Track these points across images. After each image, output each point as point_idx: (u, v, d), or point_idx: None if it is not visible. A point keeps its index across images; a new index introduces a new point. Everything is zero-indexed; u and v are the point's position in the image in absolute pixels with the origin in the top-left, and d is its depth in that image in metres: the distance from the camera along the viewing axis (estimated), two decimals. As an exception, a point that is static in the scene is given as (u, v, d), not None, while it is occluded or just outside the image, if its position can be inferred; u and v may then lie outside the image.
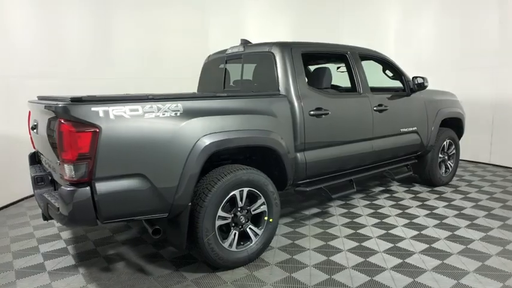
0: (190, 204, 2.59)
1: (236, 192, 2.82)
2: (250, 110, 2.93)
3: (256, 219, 3.03)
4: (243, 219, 2.90)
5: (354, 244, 3.28)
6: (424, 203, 4.38)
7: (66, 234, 3.68)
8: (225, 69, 4.00)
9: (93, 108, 2.23)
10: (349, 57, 3.90)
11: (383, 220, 3.85)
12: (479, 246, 3.20)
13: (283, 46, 3.38)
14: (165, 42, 5.92)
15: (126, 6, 5.66)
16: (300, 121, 3.24)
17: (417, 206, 4.26)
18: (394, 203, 4.40)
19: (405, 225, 3.69)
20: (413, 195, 4.67)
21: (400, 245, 3.26)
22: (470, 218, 3.85)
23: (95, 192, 2.23)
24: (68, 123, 2.19)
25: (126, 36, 5.67)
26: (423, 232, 3.52)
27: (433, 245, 3.23)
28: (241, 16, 5.95)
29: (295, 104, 3.23)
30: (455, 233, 3.50)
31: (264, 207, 3.01)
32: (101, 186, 2.25)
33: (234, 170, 2.83)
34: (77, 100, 2.23)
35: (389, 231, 3.56)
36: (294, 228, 3.68)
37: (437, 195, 4.65)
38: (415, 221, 3.82)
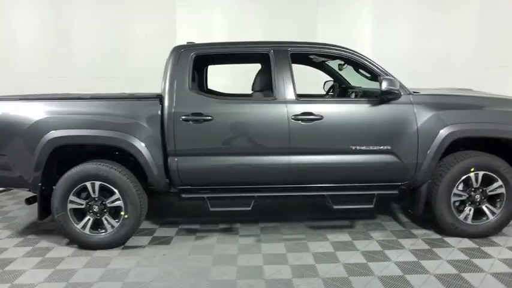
0: (40, 184, 3.21)
1: (88, 183, 3.21)
2: (105, 112, 3.20)
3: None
4: (96, 209, 3.25)
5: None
6: (373, 253, 3.19)
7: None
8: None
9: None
10: (271, 57, 3.35)
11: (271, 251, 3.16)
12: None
13: (175, 49, 3.39)
14: (130, 39, 5.79)
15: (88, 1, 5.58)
16: (168, 126, 3.20)
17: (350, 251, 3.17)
18: (335, 242, 3.43)
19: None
20: (382, 239, 3.43)
21: None
22: None
23: None
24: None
25: (88, 34, 5.56)
26: None
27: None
28: (212, 14, 5.66)
29: (166, 108, 3.21)
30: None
31: (119, 203, 3.25)
32: None
33: (88, 164, 3.22)
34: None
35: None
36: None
37: (418, 249, 3.24)
38: (277, 274, 2.95)
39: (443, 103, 3.33)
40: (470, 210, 3.39)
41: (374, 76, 3.40)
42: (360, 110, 3.29)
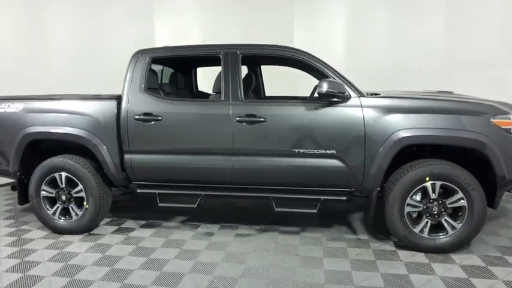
0: (19, 174, 3.67)
1: (56, 174, 3.60)
2: (70, 111, 3.54)
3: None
4: (64, 198, 3.63)
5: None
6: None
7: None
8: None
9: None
10: (222, 59, 3.43)
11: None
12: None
13: (136, 53, 3.63)
14: (110, 44, 6.00)
15: (65, 5, 5.81)
16: (122, 124, 3.45)
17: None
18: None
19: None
20: (330, 247, 3.30)
21: None
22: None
23: None
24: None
25: (64, 38, 5.77)
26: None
27: None
28: (190, 19, 5.64)
29: (122, 108, 3.47)
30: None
31: (83, 194, 3.58)
32: None
33: (57, 157, 3.60)
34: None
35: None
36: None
37: (360, 260, 3.08)
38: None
39: (396, 106, 3.12)
40: (427, 222, 3.14)
41: (326, 78, 3.30)
42: (305, 112, 3.23)
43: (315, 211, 3.28)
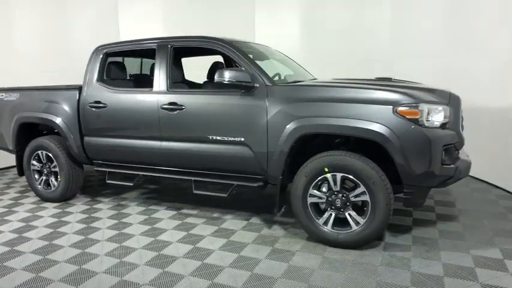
0: (16, 150, 4.52)
1: (39, 152, 4.35)
2: (48, 99, 4.20)
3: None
4: (46, 171, 4.38)
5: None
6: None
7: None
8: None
9: (-7, 94, 4.73)
10: (156, 51, 3.71)
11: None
12: None
13: (95, 49, 4.11)
14: (72, 32, 6.30)
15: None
16: (81, 111, 4.01)
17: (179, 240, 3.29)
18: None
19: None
20: (234, 230, 3.37)
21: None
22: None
23: None
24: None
25: (29, 28, 5.95)
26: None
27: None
28: (154, 15, 5.66)
29: (81, 96, 4.02)
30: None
31: (57, 169, 4.28)
32: None
33: (41, 138, 4.35)
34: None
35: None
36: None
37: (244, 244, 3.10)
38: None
39: (297, 96, 3.05)
40: (331, 215, 3.03)
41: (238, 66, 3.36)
42: (218, 101, 3.35)
43: (226, 195, 3.41)
